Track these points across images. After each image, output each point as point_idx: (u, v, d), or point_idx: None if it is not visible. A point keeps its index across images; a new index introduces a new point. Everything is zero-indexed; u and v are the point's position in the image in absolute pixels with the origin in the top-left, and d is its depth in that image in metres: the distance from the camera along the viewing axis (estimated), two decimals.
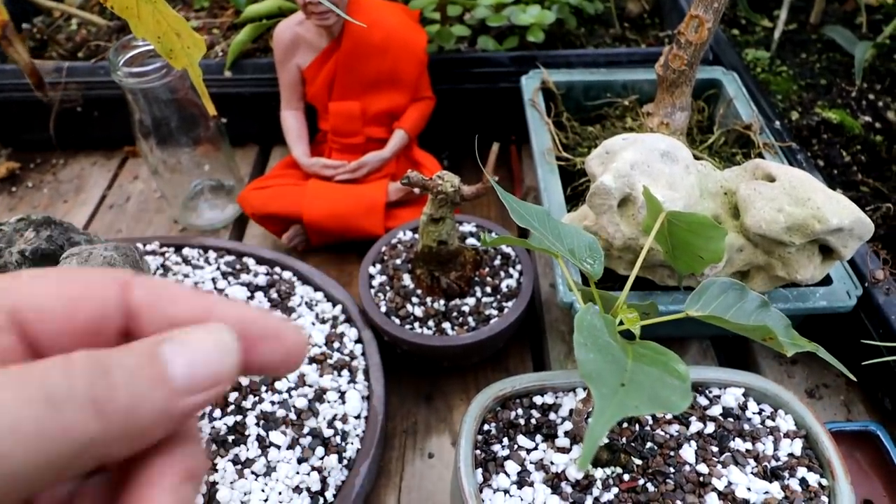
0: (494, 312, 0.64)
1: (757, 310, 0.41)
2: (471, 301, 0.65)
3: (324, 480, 0.53)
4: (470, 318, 0.64)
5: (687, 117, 0.71)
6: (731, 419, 0.50)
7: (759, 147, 0.72)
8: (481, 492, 0.46)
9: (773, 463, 0.47)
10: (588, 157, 0.59)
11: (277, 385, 0.58)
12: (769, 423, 0.50)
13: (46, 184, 0.95)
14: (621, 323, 0.40)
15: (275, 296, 0.67)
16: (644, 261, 0.45)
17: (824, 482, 0.47)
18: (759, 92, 0.81)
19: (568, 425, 0.50)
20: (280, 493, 0.51)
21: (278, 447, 0.54)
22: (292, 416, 0.56)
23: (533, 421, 0.50)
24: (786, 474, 0.47)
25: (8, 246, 0.57)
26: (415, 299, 0.65)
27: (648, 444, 0.48)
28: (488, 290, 0.66)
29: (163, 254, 0.71)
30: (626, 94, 0.82)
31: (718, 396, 0.52)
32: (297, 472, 0.53)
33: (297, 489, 0.52)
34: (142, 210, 0.91)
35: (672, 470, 0.46)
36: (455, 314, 0.64)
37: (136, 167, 0.98)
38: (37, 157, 1.00)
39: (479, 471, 0.47)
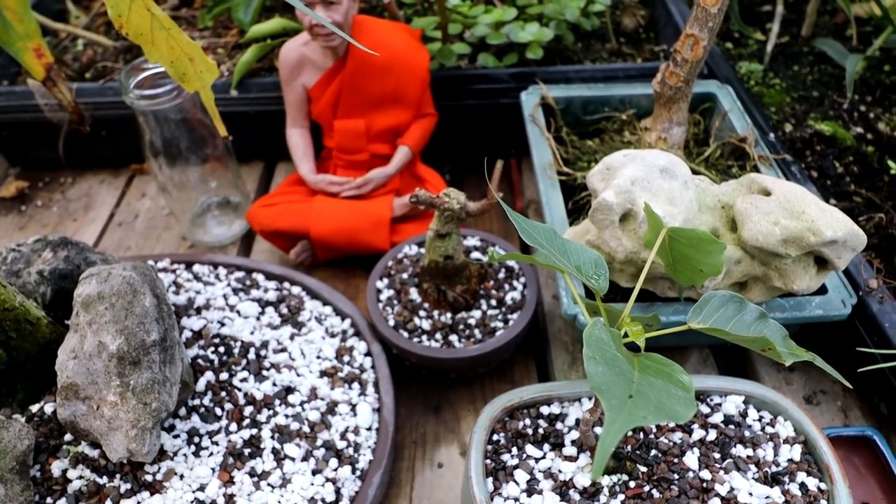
0: (500, 324, 0.66)
1: (756, 321, 0.42)
2: (477, 314, 0.67)
3: (338, 491, 0.55)
4: (476, 331, 0.66)
5: (684, 132, 0.73)
6: (732, 426, 0.52)
7: (754, 159, 0.74)
8: (492, 500, 0.48)
9: (774, 468, 0.49)
10: (589, 172, 0.61)
11: (291, 398, 0.60)
12: (769, 429, 0.52)
13: (55, 202, 0.97)
14: (626, 335, 0.42)
15: (285, 311, 0.68)
16: (646, 274, 0.46)
17: (823, 486, 0.48)
18: (753, 104, 0.83)
19: (574, 434, 0.51)
20: None
21: (293, 459, 0.55)
22: (306, 428, 0.58)
23: (540, 430, 0.52)
24: (786, 479, 0.48)
25: (27, 266, 0.59)
26: (422, 313, 0.67)
27: (653, 452, 0.50)
28: (493, 302, 0.68)
29: (174, 271, 0.72)
30: (623, 108, 0.84)
31: (719, 404, 0.53)
32: (312, 484, 0.54)
33: (313, 500, 0.53)
34: (150, 227, 0.92)
35: (676, 476, 0.48)
36: (462, 327, 0.66)
37: (144, 185, 0.99)
38: (45, 175, 1.01)
39: (490, 479, 0.49)
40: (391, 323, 0.66)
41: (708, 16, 0.64)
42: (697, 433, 0.51)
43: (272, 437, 0.56)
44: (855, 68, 0.85)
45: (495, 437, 0.52)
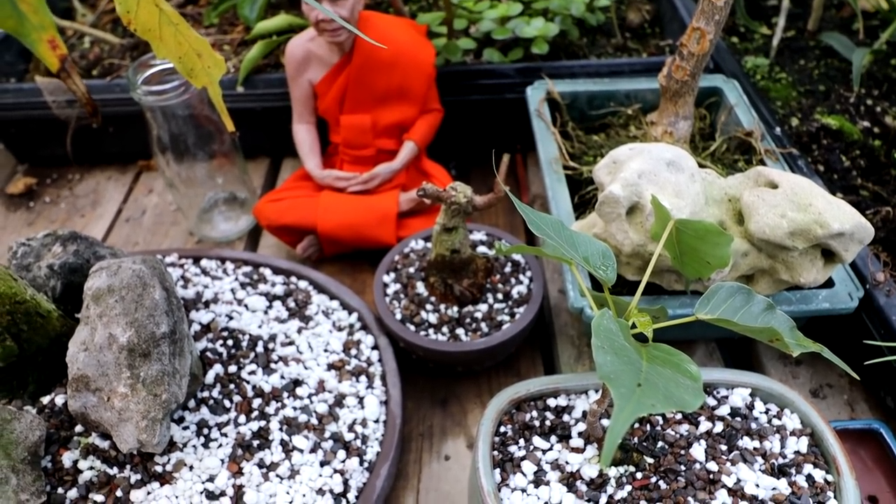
0: (506, 318, 0.66)
1: (763, 312, 0.42)
2: (483, 307, 0.67)
3: (346, 483, 0.55)
4: (483, 324, 0.66)
5: (690, 126, 0.73)
6: (738, 418, 0.52)
7: (760, 153, 0.74)
8: (499, 491, 0.48)
9: (781, 460, 0.49)
10: (596, 166, 0.61)
11: (299, 391, 0.60)
12: (776, 421, 0.52)
13: (63, 198, 0.97)
14: (634, 326, 0.42)
15: (292, 305, 0.69)
16: (653, 266, 0.46)
17: (830, 478, 0.48)
18: (759, 99, 0.83)
19: (581, 426, 0.52)
20: (304, 496, 0.53)
21: (301, 451, 0.56)
22: (314, 420, 0.58)
23: (547, 422, 0.52)
24: (793, 471, 0.49)
25: (37, 260, 0.60)
26: (429, 306, 0.67)
27: (660, 444, 0.50)
28: (500, 296, 0.68)
29: (182, 265, 0.73)
30: (629, 103, 0.84)
31: (726, 397, 0.54)
32: (320, 475, 0.55)
33: (321, 491, 0.54)
34: (157, 223, 0.93)
35: (683, 468, 0.48)
36: (468, 320, 0.66)
37: (151, 181, 1.00)
38: (53, 172, 1.02)
39: (497, 471, 0.49)
40: (398, 317, 0.67)
41: (714, 9, 0.64)
42: (704, 425, 0.51)
43: (280, 429, 0.57)
44: (861, 62, 0.85)
45: (502, 429, 0.52)
